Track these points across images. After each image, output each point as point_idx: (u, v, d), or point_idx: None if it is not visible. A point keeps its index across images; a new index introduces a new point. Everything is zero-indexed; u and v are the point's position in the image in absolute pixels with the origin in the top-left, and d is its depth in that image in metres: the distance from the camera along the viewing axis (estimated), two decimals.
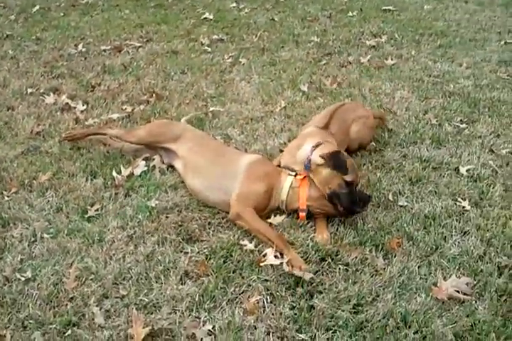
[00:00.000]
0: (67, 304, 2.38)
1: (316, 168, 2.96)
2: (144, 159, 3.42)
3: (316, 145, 3.06)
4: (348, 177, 2.88)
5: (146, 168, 3.34)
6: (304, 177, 3.00)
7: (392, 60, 5.22)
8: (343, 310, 2.38)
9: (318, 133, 3.29)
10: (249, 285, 2.51)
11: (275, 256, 2.62)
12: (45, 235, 2.80)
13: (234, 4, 7.18)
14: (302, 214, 2.95)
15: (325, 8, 7.02)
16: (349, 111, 3.60)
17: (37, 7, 7.09)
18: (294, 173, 3.04)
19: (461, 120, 4.08)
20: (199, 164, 3.16)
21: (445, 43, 5.73)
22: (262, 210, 2.94)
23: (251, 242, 2.75)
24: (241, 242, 2.74)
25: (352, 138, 3.55)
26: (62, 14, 6.90)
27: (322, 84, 4.70)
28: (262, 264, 2.59)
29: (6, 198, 3.10)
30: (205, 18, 6.60)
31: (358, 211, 2.94)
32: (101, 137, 3.65)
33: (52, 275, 2.53)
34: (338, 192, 2.88)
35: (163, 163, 3.42)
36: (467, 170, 3.43)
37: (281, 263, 2.56)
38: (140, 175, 3.30)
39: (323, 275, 2.60)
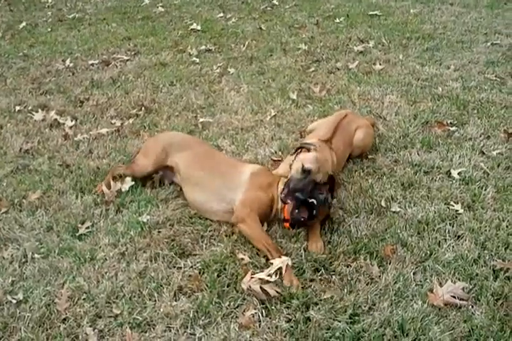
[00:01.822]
0: (59, 325, 2.35)
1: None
2: None
3: None
4: (307, 164, 2.84)
5: (133, 183, 3.28)
6: None
7: (380, 65, 5.22)
8: (339, 321, 2.36)
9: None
10: (244, 299, 2.48)
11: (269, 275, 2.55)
12: (36, 255, 2.76)
13: (221, 14, 7.18)
14: (286, 224, 2.89)
15: (312, 15, 7.02)
16: (352, 121, 3.60)
17: (23, 23, 7.11)
18: None
19: (450, 122, 4.07)
20: (199, 176, 3.10)
21: (432, 46, 5.73)
22: (263, 220, 2.92)
23: (244, 254, 2.72)
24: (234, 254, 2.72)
25: (357, 146, 3.55)
26: (49, 30, 6.91)
27: (311, 92, 4.69)
28: (253, 276, 2.54)
29: None
30: (193, 28, 6.60)
31: (298, 200, 2.79)
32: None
33: (44, 296, 2.50)
34: (293, 177, 2.85)
35: (160, 183, 3.37)
36: (459, 173, 3.42)
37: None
38: (129, 191, 3.26)
39: (320, 283, 2.58)
